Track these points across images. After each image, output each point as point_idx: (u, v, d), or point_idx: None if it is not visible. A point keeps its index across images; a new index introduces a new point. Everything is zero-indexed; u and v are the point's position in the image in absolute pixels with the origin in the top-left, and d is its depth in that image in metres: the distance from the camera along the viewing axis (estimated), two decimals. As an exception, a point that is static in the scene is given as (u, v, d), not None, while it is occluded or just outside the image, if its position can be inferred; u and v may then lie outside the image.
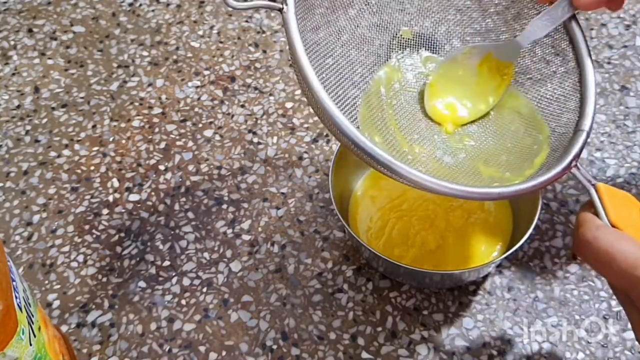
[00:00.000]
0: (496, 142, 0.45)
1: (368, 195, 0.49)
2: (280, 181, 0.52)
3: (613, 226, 0.36)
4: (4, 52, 0.61)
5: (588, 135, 0.39)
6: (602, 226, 0.35)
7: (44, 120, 0.56)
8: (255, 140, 0.54)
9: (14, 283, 0.33)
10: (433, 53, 0.48)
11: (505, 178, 0.42)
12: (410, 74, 0.47)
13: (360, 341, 0.44)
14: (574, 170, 0.38)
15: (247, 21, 0.63)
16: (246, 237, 0.49)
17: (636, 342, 0.38)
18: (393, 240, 0.47)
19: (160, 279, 0.47)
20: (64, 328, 0.45)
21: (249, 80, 0.58)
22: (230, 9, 0.63)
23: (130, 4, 0.65)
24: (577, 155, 0.38)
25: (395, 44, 0.47)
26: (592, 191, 0.38)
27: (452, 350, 0.44)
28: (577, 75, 0.44)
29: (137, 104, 0.57)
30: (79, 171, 0.53)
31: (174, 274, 0.47)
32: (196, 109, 0.57)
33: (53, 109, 0.57)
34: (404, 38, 0.48)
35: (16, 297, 0.32)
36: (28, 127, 0.56)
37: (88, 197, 0.51)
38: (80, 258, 0.48)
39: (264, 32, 0.62)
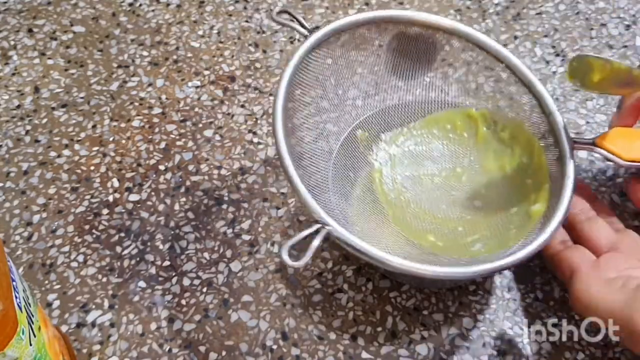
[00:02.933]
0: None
1: None
2: (280, 181, 0.52)
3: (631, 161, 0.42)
4: (4, 52, 0.61)
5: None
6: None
7: (44, 120, 0.56)
8: (256, 140, 0.54)
9: (14, 283, 0.33)
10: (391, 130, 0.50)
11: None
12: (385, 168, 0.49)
13: (360, 341, 0.44)
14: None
15: (247, 21, 0.63)
16: (246, 237, 0.49)
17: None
18: None
19: (160, 279, 0.47)
20: (63, 328, 0.45)
21: (249, 80, 0.58)
22: (230, 9, 0.63)
23: (130, 4, 0.65)
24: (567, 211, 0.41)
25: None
26: (597, 149, 0.42)
27: (452, 350, 0.44)
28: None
29: (137, 104, 0.57)
30: (79, 171, 0.53)
31: (174, 274, 0.47)
32: (196, 109, 0.57)
33: (53, 109, 0.57)
34: (361, 139, 0.49)
35: (16, 297, 0.32)
36: (28, 127, 0.56)
37: (88, 197, 0.51)
38: (80, 258, 0.48)
39: (264, 32, 0.62)
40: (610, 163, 0.51)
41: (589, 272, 0.40)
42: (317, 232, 0.38)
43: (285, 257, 0.36)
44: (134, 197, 0.51)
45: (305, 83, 0.46)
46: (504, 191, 0.46)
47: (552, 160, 0.44)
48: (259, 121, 0.56)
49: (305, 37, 0.45)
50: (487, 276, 0.45)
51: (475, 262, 0.41)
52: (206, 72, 0.59)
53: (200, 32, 0.62)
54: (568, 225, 0.45)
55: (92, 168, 0.53)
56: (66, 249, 0.49)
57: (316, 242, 0.37)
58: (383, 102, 0.50)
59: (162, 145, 0.54)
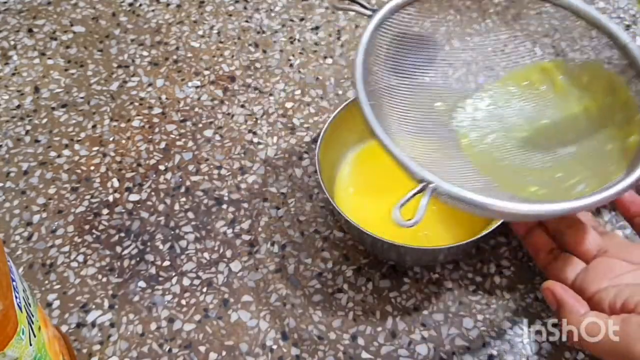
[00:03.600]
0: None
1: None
2: (280, 181, 0.52)
3: None
4: (4, 52, 0.61)
5: None
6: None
7: (44, 120, 0.56)
8: (255, 140, 0.54)
9: (14, 283, 0.33)
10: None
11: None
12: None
13: (360, 341, 0.44)
14: None
15: (247, 21, 0.63)
16: (246, 237, 0.49)
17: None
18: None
19: (160, 279, 0.47)
20: (63, 328, 0.45)
21: (249, 80, 0.58)
22: (230, 9, 0.63)
23: (130, 4, 0.65)
24: None
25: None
26: None
27: (452, 350, 0.44)
28: None
29: (137, 104, 0.57)
30: (79, 171, 0.53)
31: (174, 274, 0.47)
32: (196, 109, 0.57)
33: (53, 109, 0.57)
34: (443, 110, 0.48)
35: (16, 297, 0.32)
36: (28, 127, 0.56)
37: (88, 197, 0.51)
38: (80, 258, 0.48)
39: (264, 32, 0.62)
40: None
41: (575, 304, 0.40)
42: (423, 190, 0.37)
43: (398, 217, 0.35)
44: (134, 197, 0.51)
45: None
46: (595, 131, 0.45)
47: (637, 91, 0.43)
48: (259, 121, 0.56)
49: (369, 16, 0.45)
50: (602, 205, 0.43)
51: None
52: (206, 72, 0.59)
53: (200, 32, 0.62)
54: (552, 233, 0.45)
55: (92, 168, 0.53)
56: (66, 249, 0.49)
57: (425, 200, 0.36)
58: (455, 71, 0.49)
59: (162, 145, 0.54)
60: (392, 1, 0.46)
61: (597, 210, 0.51)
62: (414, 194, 0.37)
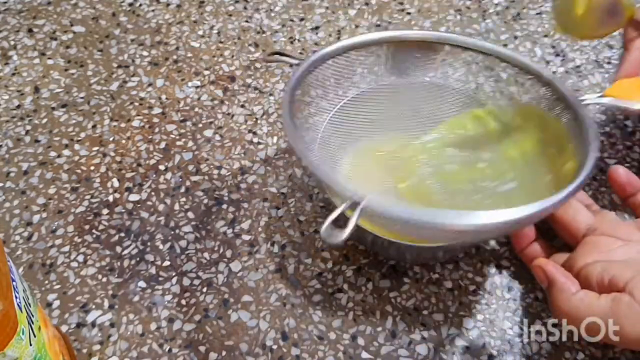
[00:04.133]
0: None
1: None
2: (280, 181, 0.52)
3: None
4: (4, 52, 0.61)
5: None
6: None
7: (44, 120, 0.56)
8: (255, 140, 0.55)
9: (14, 283, 0.33)
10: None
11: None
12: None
13: (360, 341, 0.44)
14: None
15: (247, 21, 0.63)
16: (246, 237, 0.49)
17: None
18: None
19: (160, 278, 0.47)
20: (63, 328, 0.45)
21: (249, 80, 0.58)
22: (230, 9, 0.63)
23: (130, 4, 0.65)
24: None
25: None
26: (606, 99, 0.43)
27: (452, 350, 0.44)
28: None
29: (137, 104, 0.57)
30: (79, 171, 0.53)
31: (174, 274, 0.47)
32: (196, 109, 0.57)
33: (53, 109, 0.57)
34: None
35: (16, 297, 0.32)
36: (28, 127, 0.56)
37: (88, 197, 0.51)
38: (80, 258, 0.48)
39: (264, 32, 0.62)
40: (610, 163, 0.51)
41: (566, 282, 0.40)
42: (353, 207, 0.37)
43: (326, 233, 0.36)
44: (134, 197, 0.51)
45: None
46: (532, 168, 0.46)
47: (568, 122, 0.44)
48: (259, 121, 0.56)
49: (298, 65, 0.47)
50: (522, 226, 0.44)
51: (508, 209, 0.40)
52: (206, 72, 0.59)
53: (200, 32, 0.62)
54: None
55: (92, 168, 0.53)
56: (66, 249, 0.49)
57: (354, 218, 0.36)
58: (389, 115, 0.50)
59: (162, 145, 0.54)
60: (319, 52, 0.48)
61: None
62: (343, 210, 0.37)
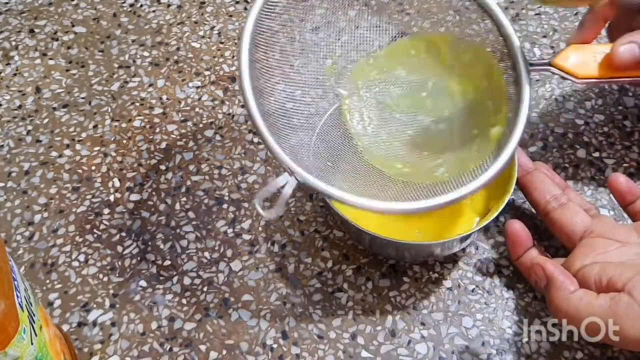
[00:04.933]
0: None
1: None
2: (281, 181, 0.52)
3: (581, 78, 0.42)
4: (6, 52, 0.61)
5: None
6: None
7: (45, 121, 0.56)
8: (256, 140, 0.55)
9: (16, 282, 0.33)
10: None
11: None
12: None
13: (360, 340, 0.44)
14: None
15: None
16: (246, 237, 0.49)
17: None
18: None
19: (161, 278, 0.47)
20: (65, 327, 0.45)
21: (249, 81, 0.59)
22: (231, 9, 0.63)
23: (131, 5, 0.65)
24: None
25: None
26: (552, 69, 0.43)
27: (452, 349, 0.44)
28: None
29: (138, 104, 0.57)
30: (80, 171, 0.53)
31: (174, 274, 0.48)
32: (197, 109, 0.57)
33: (54, 109, 0.57)
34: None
35: (17, 297, 0.32)
36: (29, 127, 0.56)
37: (89, 196, 0.52)
38: (82, 257, 0.48)
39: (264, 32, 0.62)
40: (609, 163, 0.51)
41: (565, 280, 0.40)
42: (286, 182, 0.39)
43: (259, 208, 0.38)
44: (135, 196, 0.52)
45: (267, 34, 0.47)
46: (466, 114, 0.46)
47: (510, 83, 0.44)
48: (259, 121, 0.56)
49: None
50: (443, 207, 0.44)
51: (435, 194, 0.42)
52: (207, 73, 0.59)
53: (201, 33, 0.63)
54: (541, 214, 0.46)
55: (93, 168, 0.53)
56: (67, 248, 0.49)
57: (287, 191, 0.38)
58: (346, 35, 0.50)
59: (163, 145, 0.55)
60: None
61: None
62: (277, 188, 0.39)
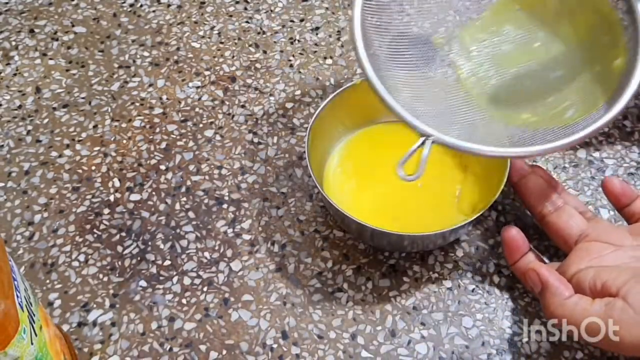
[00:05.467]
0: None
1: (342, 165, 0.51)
2: (281, 181, 0.52)
3: None
4: (6, 52, 0.61)
5: None
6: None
7: (45, 121, 0.56)
8: (256, 140, 0.55)
9: (16, 282, 0.33)
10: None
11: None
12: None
13: (360, 340, 0.44)
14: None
15: (247, 22, 0.63)
16: (246, 237, 0.49)
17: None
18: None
19: (161, 278, 0.47)
20: (65, 327, 0.45)
21: (249, 81, 0.59)
22: (231, 9, 0.63)
23: (131, 5, 0.65)
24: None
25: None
26: None
27: (452, 349, 0.44)
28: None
29: (138, 104, 0.57)
30: (80, 171, 0.53)
31: (174, 273, 0.48)
32: (197, 109, 0.57)
33: (54, 109, 0.57)
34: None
35: (17, 297, 0.32)
36: (29, 127, 0.56)
37: (89, 196, 0.52)
38: (82, 257, 0.48)
39: (264, 32, 0.62)
40: (609, 163, 0.51)
41: (559, 286, 0.40)
42: (423, 144, 0.40)
43: (402, 174, 0.39)
44: (135, 196, 0.52)
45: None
46: (584, 53, 0.46)
47: (623, 12, 0.44)
48: (259, 121, 0.56)
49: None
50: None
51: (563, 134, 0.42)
52: (207, 73, 0.59)
53: (201, 33, 0.63)
54: (537, 218, 0.46)
55: (93, 168, 0.53)
56: (67, 248, 0.49)
57: (425, 153, 0.39)
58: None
59: (163, 145, 0.55)
60: None
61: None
62: (415, 149, 0.40)
